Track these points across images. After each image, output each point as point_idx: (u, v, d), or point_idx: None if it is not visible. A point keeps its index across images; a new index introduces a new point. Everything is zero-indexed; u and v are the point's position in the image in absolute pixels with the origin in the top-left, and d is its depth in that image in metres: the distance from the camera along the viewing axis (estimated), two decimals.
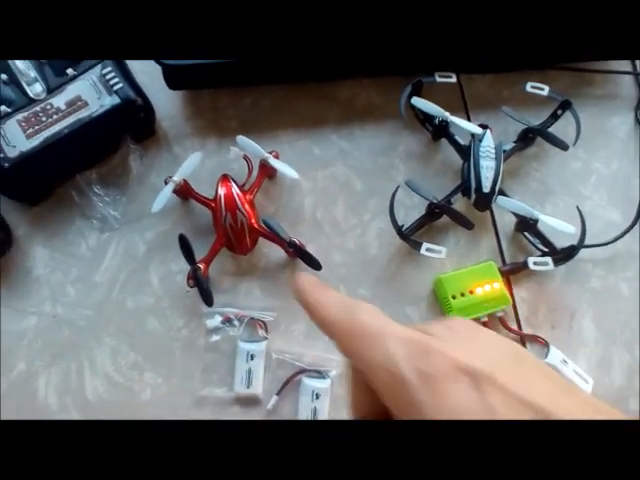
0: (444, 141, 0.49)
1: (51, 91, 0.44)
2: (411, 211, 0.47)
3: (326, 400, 0.42)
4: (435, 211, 0.45)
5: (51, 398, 0.43)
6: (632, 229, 0.46)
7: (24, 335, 0.44)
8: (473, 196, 0.45)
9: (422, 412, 0.18)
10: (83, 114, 0.43)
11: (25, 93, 0.43)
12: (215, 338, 0.44)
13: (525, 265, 0.44)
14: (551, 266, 0.43)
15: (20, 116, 0.43)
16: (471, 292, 0.43)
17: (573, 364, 0.43)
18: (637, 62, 0.52)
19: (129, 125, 0.46)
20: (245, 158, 0.46)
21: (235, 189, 0.44)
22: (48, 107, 0.43)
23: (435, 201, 0.44)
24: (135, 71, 0.47)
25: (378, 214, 0.47)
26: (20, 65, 0.43)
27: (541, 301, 0.45)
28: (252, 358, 0.43)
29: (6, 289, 0.45)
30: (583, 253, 0.45)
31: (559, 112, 0.48)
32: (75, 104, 0.44)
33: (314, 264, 0.44)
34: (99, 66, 0.44)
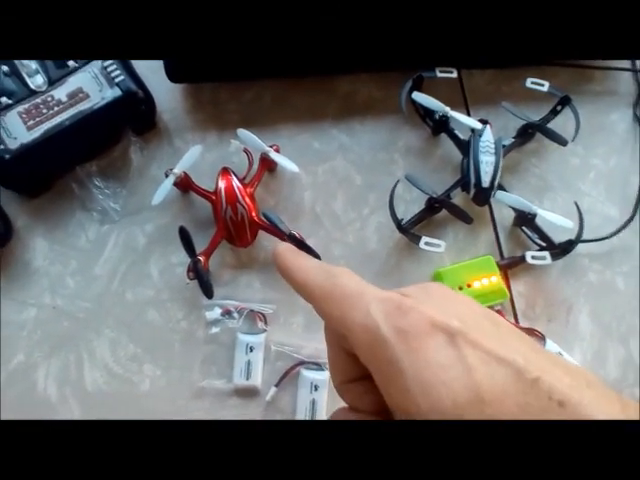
0: (444, 136, 0.49)
1: (52, 83, 0.44)
2: (410, 205, 0.47)
3: (324, 392, 0.42)
4: (434, 205, 0.45)
5: (50, 389, 0.43)
6: (629, 224, 0.46)
7: (24, 326, 0.44)
8: (472, 191, 0.45)
9: (400, 369, 0.18)
10: (84, 106, 0.43)
11: (26, 85, 0.43)
12: (214, 330, 0.44)
13: (523, 259, 0.44)
14: (549, 260, 0.44)
15: (21, 108, 0.43)
16: (469, 286, 0.44)
17: (569, 357, 0.44)
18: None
19: (130, 117, 0.46)
20: (245, 151, 0.46)
21: (235, 182, 0.44)
22: (49, 99, 0.43)
23: (434, 195, 0.44)
24: (137, 64, 0.47)
25: (377, 208, 0.48)
26: None
27: (538, 295, 0.46)
28: (251, 350, 0.43)
29: (6, 281, 0.45)
30: (580, 248, 0.46)
31: (558, 108, 0.48)
32: (76, 96, 0.44)
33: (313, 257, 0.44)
34: None
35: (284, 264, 0.23)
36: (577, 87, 0.51)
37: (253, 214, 0.44)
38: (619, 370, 0.45)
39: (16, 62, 0.43)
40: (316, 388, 0.42)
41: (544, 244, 0.45)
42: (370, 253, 0.47)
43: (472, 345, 0.18)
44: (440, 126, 0.48)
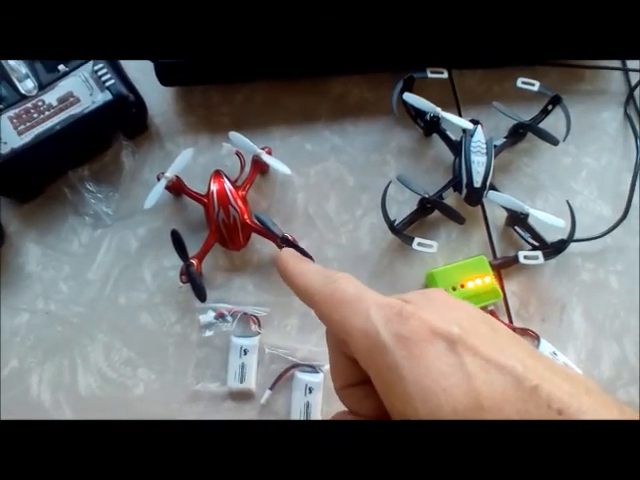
0: (436, 137, 0.49)
1: (43, 87, 0.43)
2: (403, 206, 0.47)
3: (319, 394, 0.42)
4: (427, 206, 0.45)
5: (44, 395, 0.43)
6: (621, 223, 0.47)
7: (17, 332, 0.44)
8: (464, 191, 0.45)
9: (400, 375, 0.18)
10: (75, 110, 0.43)
11: (16, 89, 0.43)
12: (208, 333, 0.44)
13: (516, 259, 0.44)
14: (541, 260, 0.44)
15: (11, 112, 0.43)
16: (462, 286, 0.44)
17: (563, 356, 0.44)
18: None
19: (121, 121, 0.46)
20: (237, 154, 0.46)
21: (228, 185, 0.44)
22: (40, 103, 0.43)
23: (427, 196, 0.44)
24: (127, 67, 0.47)
25: (370, 209, 0.48)
26: (11, 61, 0.43)
27: (531, 295, 0.46)
28: (245, 353, 0.43)
29: None
30: (573, 247, 0.46)
31: (549, 107, 0.48)
32: (67, 100, 0.43)
33: None
34: (91, 62, 0.44)
35: (285, 269, 0.23)
36: (568, 86, 0.51)
37: (245, 217, 0.44)
38: (613, 369, 0.45)
39: (6, 67, 0.43)
40: (310, 390, 0.42)
41: (537, 244, 0.45)
42: (363, 254, 0.47)
43: (472, 352, 0.18)
44: (431, 127, 0.48)
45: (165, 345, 0.44)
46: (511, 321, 0.45)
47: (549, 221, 0.43)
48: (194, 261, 0.43)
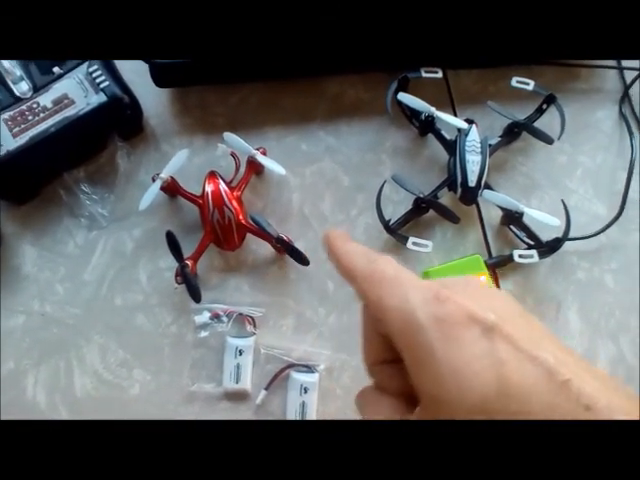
0: (431, 136, 0.49)
1: (37, 90, 0.44)
2: (398, 206, 0.47)
3: (314, 394, 0.42)
4: (421, 206, 0.45)
5: (40, 396, 0.43)
6: (616, 221, 0.47)
7: (13, 334, 0.44)
8: (459, 190, 0.45)
9: (433, 355, 0.19)
10: (70, 112, 0.43)
11: (11, 92, 0.43)
12: (204, 334, 0.44)
13: (511, 258, 0.44)
14: (536, 259, 0.44)
15: (6, 115, 0.43)
16: None
17: None
18: None
19: (116, 123, 0.46)
20: (232, 155, 0.46)
21: (222, 186, 0.44)
22: (34, 106, 0.43)
23: (421, 196, 0.44)
24: (122, 69, 0.47)
25: (365, 209, 0.48)
26: (6, 64, 0.43)
27: (527, 293, 0.46)
28: (240, 353, 0.43)
29: None
30: (568, 246, 0.46)
31: (544, 106, 0.48)
32: (62, 102, 0.44)
33: (302, 260, 0.44)
34: (85, 64, 0.44)
35: (332, 247, 0.24)
36: (563, 85, 0.51)
37: (240, 217, 0.44)
38: (609, 367, 0.45)
39: (0, 69, 0.43)
40: (306, 390, 0.42)
41: (532, 242, 0.45)
42: None
43: (506, 340, 0.18)
44: (426, 126, 0.48)
45: (161, 346, 0.44)
46: None
47: (544, 220, 0.43)
48: (189, 262, 0.43)
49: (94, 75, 0.44)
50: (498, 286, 0.46)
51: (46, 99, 0.43)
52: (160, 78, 0.47)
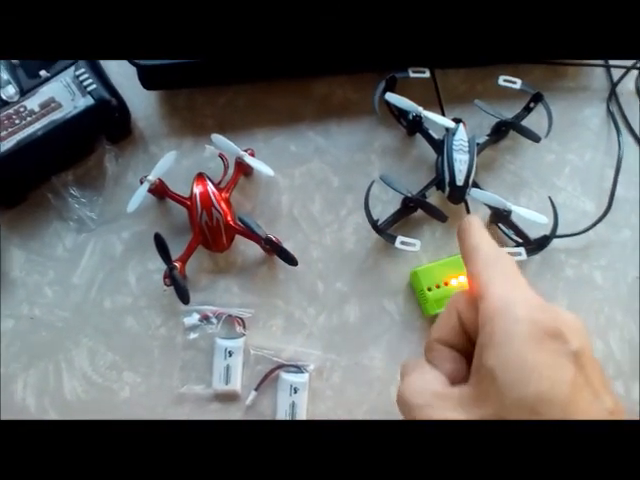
0: (419, 136, 0.49)
1: (24, 93, 0.44)
2: (387, 206, 0.48)
3: (304, 394, 0.42)
4: (410, 205, 0.45)
5: (29, 400, 0.43)
6: (604, 218, 0.47)
7: (2, 338, 0.44)
8: (447, 189, 0.45)
9: (512, 343, 0.20)
10: (57, 116, 0.43)
11: None
12: (193, 336, 0.44)
13: None
14: (524, 256, 0.44)
15: None
16: (446, 284, 0.44)
17: None
18: None
19: (104, 126, 0.46)
20: (221, 156, 0.46)
21: (211, 187, 0.44)
22: (21, 109, 0.43)
23: (409, 195, 0.44)
24: (110, 72, 0.47)
25: (355, 209, 0.48)
26: None
27: None
28: (230, 355, 0.43)
29: None
30: (557, 243, 0.46)
31: (531, 105, 0.48)
32: (49, 106, 0.44)
33: (291, 260, 0.44)
34: (72, 67, 0.44)
35: (466, 227, 0.25)
36: (551, 84, 0.51)
37: (229, 218, 0.44)
38: None
39: None
40: (295, 391, 0.42)
41: (520, 240, 0.45)
42: (348, 254, 0.47)
43: (581, 370, 0.20)
44: (414, 126, 0.48)
45: (150, 348, 0.44)
46: None
47: (532, 218, 0.43)
48: (178, 264, 0.43)
49: (81, 78, 0.44)
50: None
51: (33, 103, 0.43)
52: (148, 80, 0.47)
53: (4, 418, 0.42)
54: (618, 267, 0.47)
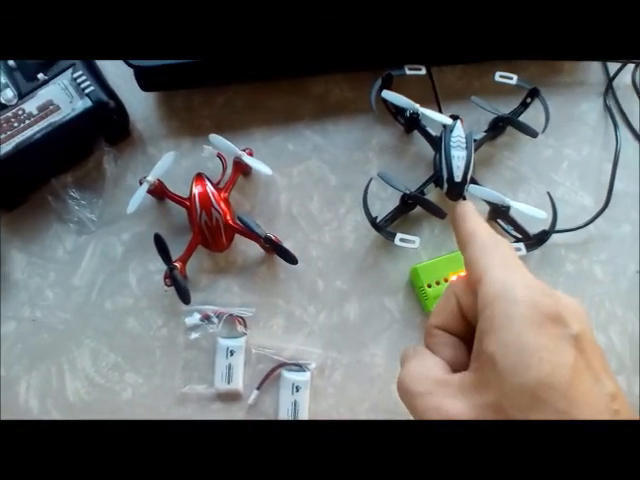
0: (417, 133, 0.49)
1: (22, 96, 0.44)
2: (386, 203, 0.48)
3: (306, 393, 0.42)
4: (408, 202, 0.45)
5: (32, 401, 0.43)
6: (603, 213, 0.47)
7: (4, 340, 0.44)
8: (445, 186, 0.45)
9: (512, 327, 0.20)
10: (55, 118, 0.43)
11: None
12: (194, 336, 0.44)
13: None
14: (523, 252, 0.44)
15: None
16: (446, 280, 0.44)
17: None
18: None
19: (102, 128, 0.46)
20: (219, 156, 0.46)
21: (210, 187, 0.44)
22: (20, 112, 0.43)
23: (408, 192, 0.44)
24: (107, 74, 0.47)
25: (353, 207, 0.48)
26: None
27: None
28: (232, 354, 0.43)
29: None
30: (557, 238, 0.46)
31: (528, 100, 0.49)
32: (47, 108, 0.44)
33: (290, 259, 0.44)
34: (70, 70, 0.45)
35: (462, 213, 0.25)
36: (547, 79, 0.51)
37: (228, 218, 0.44)
38: None
39: None
40: (297, 389, 0.42)
41: (519, 236, 0.45)
42: (348, 252, 0.47)
43: (581, 353, 0.20)
44: (412, 123, 0.48)
45: (152, 349, 0.44)
46: None
47: (531, 213, 0.43)
48: (178, 264, 0.43)
49: (79, 81, 0.44)
50: None
51: (31, 106, 0.44)
52: (145, 82, 0.47)
53: (7, 419, 0.42)
54: (618, 261, 0.47)
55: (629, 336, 0.46)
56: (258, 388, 0.43)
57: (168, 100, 0.50)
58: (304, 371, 0.43)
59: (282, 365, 0.43)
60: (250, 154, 0.46)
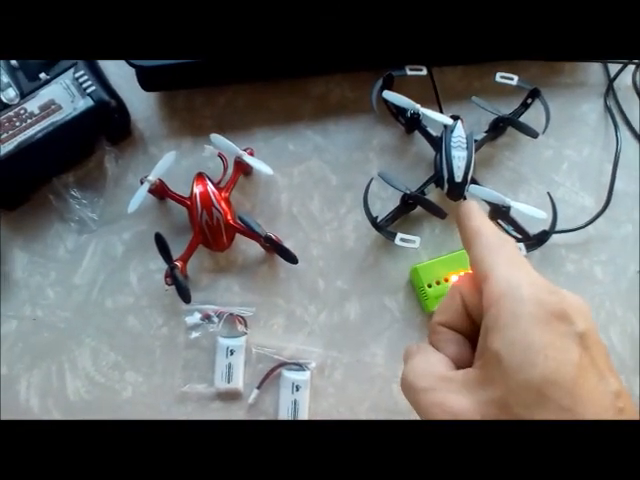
0: (417, 134, 0.49)
1: (24, 96, 0.44)
2: (387, 203, 0.48)
3: (306, 392, 0.42)
4: (409, 202, 0.45)
5: (33, 400, 0.43)
6: (603, 213, 0.47)
7: (5, 339, 0.44)
8: (446, 186, 0.45)
9: (518, 324, 0.20)
10: (56, 118, 0.44)
11: None
12: (195, 335, 0.44)
13: None
14: (524, 252, 0.44)
15: None
16: (446, 280, 0.44)
17: None
18: None
19: (104, 127, 0.46)
20: (220, 156, 0.46)
21: (210, 187, 0.44)
22: (22, 112, 0.44)
23: (408, 192, 0.44)
24: (109, 74, 0.47)
25: (354, 207, 0.48)
26: None
27: None
28: (232, 353, 0.43)
29: None
30: (557, 238, 0.46)
31: (529, 101, 0.49)
32: (49, 108, 0.44)
33: (291, 258, 0.44)
34: (72, 70, 0.45)
35: (467, 212, 0.25)
36: (548, 80, 0.51)
37: (229, 217, 0.44)
38: None
39: None
40: (297, 388, 0.42)
41: (519, 236, 0.46)
42: (348, 252, 0.47)
43: (587, 351, 0.20)
44: (412, 123, 0.48)
45: (152, 348, 0.44)
46: None
47: (531, 213, 0.44)
48: (179, 263, 0.43)
49: (80, 80, 0.44)
50: None
51: (33, 105, 0.44)
52: (147, 82, 0.48)
53: (8, 418, 0.42)
54: (618, 262, 0.47)
55: (629, 336, 0.46)
56: (258, 387, 0.43)
57: (169, 100, 0.50)
58: (304, 370, 0.43)
59: (282, 364, 0.43)
60: (251, 154, 0.46)
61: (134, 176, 0.48)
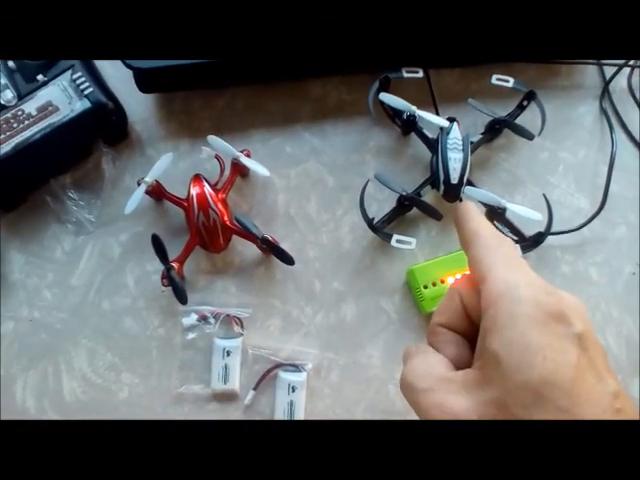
0: (414, 135, 0.49)
1: (22, 97, 0.44)
2: (383, 204, 0.48)
3: (302, 393, 0.42)
4: (405, 203, 0.45)
5: (29, 401, 0.43)
6: (598, 215, 0.47)
7: (1, 340, 0.44)
8: (442, 188, 0.45)
9: (516, 325, 0.20)
10: (54, 119, 0.44)
11: None
12: (191, 336, 0.44)
13: None
14: (519, 253, 0.44)
15: None
16: (442, 281, 0.44)
17: None
18: None
19: (101, 129, 0.47)
20: (217, 157, 0.46)
21: (207, 188, 0.45)
22: (19, 113, 0.44)
23: (404, 194, 0.45)
24: (106, 75, 0.47)
25: (351, 209, 0.48)
26: None
27: None
28: (228, 354, 0.43)
29: None
30: (553, 240, 0.46)
31: (525, 103, 0.49)
32: (46, 109, 0.44)
33: (287, 260, 0.44)
34: (69, 71, 0.45)
35: (465, 213, 0.26)
36: (544, 82, 0.51)
37: (225, 219, 0.44)
38: None
39: None
40: (294, 389, 0.42)
41: (515, 237, 0.46)
42: (345, 253, 0.47)
43: (585, 352, 0.20)
44: (409, 126, 0.48)
45: (149, 349, 0.44)
46: None
47: (526, 215, 0.44)
48: (175, 264, 0.43)
49: (78, 82, 0.45)
50: None
51: (30, 106, 0.44)
52: (144, 84, 0.48)
53: (4, 419, 0.42)
54: (614, 263, 0.47)
55: (625, 338, 0.46)
56: (254, 388, 0.43)
57: (167, 102, 0.51)
58: (300, 371, 0.43)
59: (278, 365, 0.43)
60: (248, 155, 0.46)
61: (131, 178, 0.48)
